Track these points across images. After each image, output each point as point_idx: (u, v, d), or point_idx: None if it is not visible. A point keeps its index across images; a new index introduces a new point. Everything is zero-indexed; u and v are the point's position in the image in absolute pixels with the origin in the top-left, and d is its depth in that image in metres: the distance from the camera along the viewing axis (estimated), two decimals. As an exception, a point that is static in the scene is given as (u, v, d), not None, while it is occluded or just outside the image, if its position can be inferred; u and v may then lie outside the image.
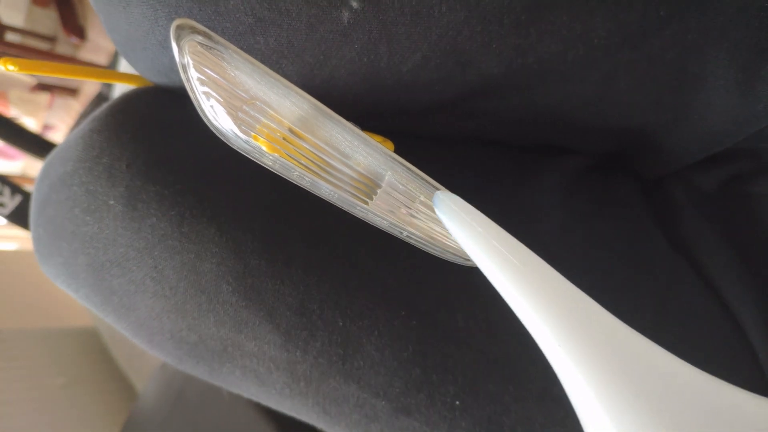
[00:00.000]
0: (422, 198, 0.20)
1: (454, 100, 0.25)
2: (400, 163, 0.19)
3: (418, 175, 0.19)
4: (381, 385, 0.24)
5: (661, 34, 0.21)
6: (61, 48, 1.79)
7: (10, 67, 0.25)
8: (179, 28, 0.17)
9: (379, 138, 0.24)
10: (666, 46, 0.21)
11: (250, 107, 0.18)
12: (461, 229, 0.17)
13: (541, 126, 0.27)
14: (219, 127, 0.18)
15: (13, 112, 1.97)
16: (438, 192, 0.19)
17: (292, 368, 0.24)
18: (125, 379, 1.08)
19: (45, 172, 0.26)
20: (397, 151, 0.25)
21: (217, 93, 0.18)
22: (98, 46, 1.72)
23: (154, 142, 0.25)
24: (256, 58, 0.23)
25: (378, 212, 0.20)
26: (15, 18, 1.65)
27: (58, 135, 2.03)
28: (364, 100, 0.25)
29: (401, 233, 0.21)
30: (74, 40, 1.65)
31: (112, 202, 0.24)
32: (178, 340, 0.25)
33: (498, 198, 0.28)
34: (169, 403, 0.64)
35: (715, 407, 0.13)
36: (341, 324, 0.24)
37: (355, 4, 0.21)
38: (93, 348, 1.11)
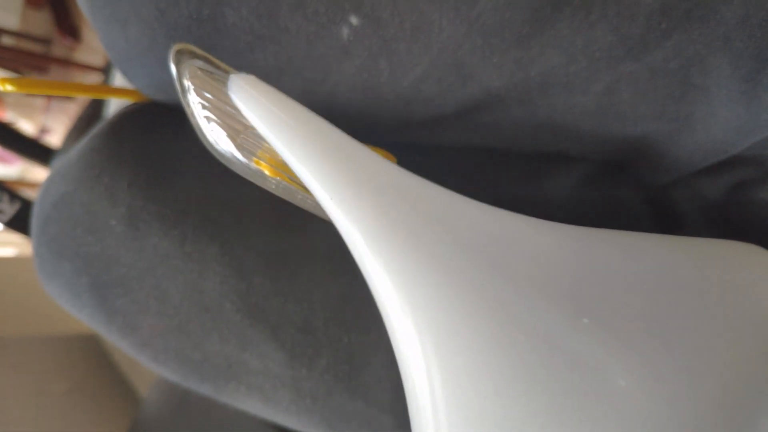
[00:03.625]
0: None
1: (455, 112, 0.25)
2: None
3: None
4: (388, 401, 0.24)
5: (663, 45, 0.20)
6: (57, 50, 1.78)
7: (8, 87, 0.25)
8: (179, 52, 0.17)
9: (382, 153, 0.24)
10: (668, 58, 0.21)
11: (251, 131, 0.18)
12: (248, 107, 0.16)
13: (543, 136, 0.27)
14: (220, 151, 0.18)
15: (9, 116, 1.97)
16: (231, 76, 0.17)
17: (298, 385, 0.24)
18: (128, 384, 1.08)
19: (46, 190, 0.26)
20: (399, 164, 0.25)
21: (217, 117, 0.18)
22: (94, 47, 1.71)
23: (155, 161, 0.24)
24: (255, 75, 0.23)
25: None
26: (9, 20, 1.63)
27: (55, 138, 2.03)
28: (366, 114, 0.25)
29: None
30: (69, 42, 1.64)
31: (113, 222, 0.23)
32: (183, 358, 0.25)
33: (501, 208, 0.28)
34: (173, 409, 0.64)
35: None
36: (346, 340, 0.24)
37: (354, 21, 0.20)
38: (95, 354, 1.11)
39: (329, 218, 0.20)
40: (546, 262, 0.14)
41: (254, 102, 0.16)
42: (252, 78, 0.17)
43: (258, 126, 0.16)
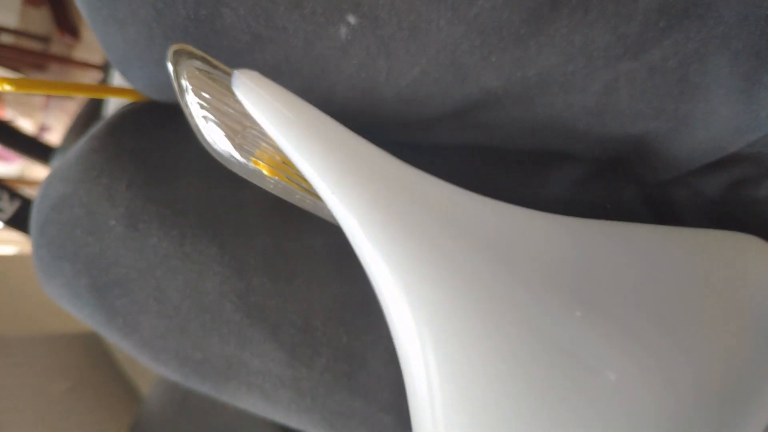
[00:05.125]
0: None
1: (454, 112, 0.25)
2: None
3: None
4: (388, 400, 0.24)
5: (661, 44, 0.20)
6: (56, 48, 1.77)
7: (7, 87, 0.25)
8: (177, 53, 0.17)
9: (380, 153, 0.24)
10: (667, 56, 0.21)
11: (249, 131, 0.18)
12: (250, 102, 0.16)
13: (542, 135, 0.27)
14: (218, 151, 0.18)
15: (8, 114, 1.96)
16: (234, 71, 0.17)
17: (298, 384, 0.24)
18: (130, 382, 1.08)
19: (45, 192, 0.26)
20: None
21: (215, 117, 0.18)
22: (93, 45, 1.70)
23: (153, 161, 0.24)
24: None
25: None
26: (8, 18, 1.63)
27: (54, 136, 2.02)
28: (364, 113, 0.25)
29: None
30: (68, 39, 1.64)
31: (113, 223, 0.23)
32: (183, 358, 0.25)
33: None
34: (174, 408, 0.64)
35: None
36: (345, 340, 0.24)
37: (352, 20, 0.20)
38: (97, 352, 1.11)
39: (328, 217, 0.20)
40: (539, 253, 0.14)
41: (257, 97, 0.16)
42: (254, 74, 0.17)
43: (260, 120, 0.16)
